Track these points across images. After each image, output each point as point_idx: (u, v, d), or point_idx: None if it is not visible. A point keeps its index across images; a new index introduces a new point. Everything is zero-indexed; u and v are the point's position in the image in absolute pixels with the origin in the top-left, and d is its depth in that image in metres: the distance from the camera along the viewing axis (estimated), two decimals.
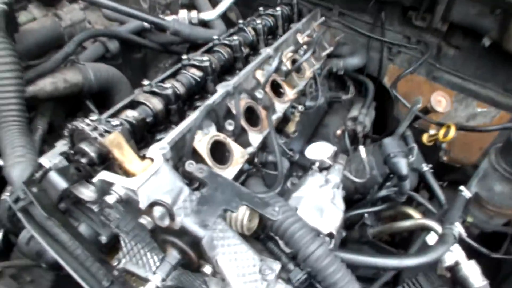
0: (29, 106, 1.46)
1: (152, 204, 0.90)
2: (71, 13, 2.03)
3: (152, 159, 1.04)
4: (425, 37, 2.40)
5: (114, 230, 1.26)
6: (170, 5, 2.62)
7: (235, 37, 1.68)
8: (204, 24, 2.22)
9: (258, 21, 1.88)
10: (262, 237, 1.28)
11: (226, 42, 1.66)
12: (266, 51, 1.69)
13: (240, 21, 1.89)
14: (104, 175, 1.01)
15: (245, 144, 1.38)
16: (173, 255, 0.94)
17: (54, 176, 1.08)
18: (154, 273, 0.91)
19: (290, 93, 1.71)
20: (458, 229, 1.36)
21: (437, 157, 2.56)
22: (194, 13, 2.11)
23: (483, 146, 2.46)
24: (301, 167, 1.82)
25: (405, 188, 1.48)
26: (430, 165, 1.81)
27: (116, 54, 2.12)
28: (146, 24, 2.16)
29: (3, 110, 1.24)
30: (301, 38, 2.02)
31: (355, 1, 2.55)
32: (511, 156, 1.52)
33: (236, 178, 1.34)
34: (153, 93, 1.30)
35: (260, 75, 1.60)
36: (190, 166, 1.09)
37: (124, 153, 1.01)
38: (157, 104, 1.27)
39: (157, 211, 0.92)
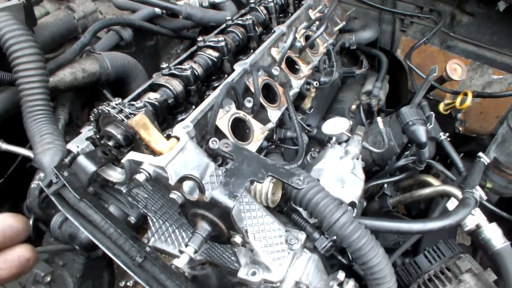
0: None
1: (182, 179, 0.93)
2: (83, 5, 2.06)
3: (177, 138, 1.07)
4: (438, 6, 2.38)
5: (142, 210, 1.31)
6: None
7: (248, 17, 1.69)
8: (214, 6, 2.23)
9: None
10: (285, 209, 1.31)
11: (240, 22, 1.67)
12: (279, 29, 1.69)
13: (251, 0, 1.89)
14: (132, 155, 1.05)
15: (264, 120, 1.41)
16: (204, 228, 0.97)
17: (83, 160, 1.12)
18: (186, 245, 0.95)
19: (305, 69, 1.71)
20: (478, 192, 1.37)
21: (453, 128, 2.56)
22: None
23: (500, 114, 2.44)
24: (319, 142, 1.84)
25: (424, 156, 1.49)
26: (447, 134, 1.81)
27: (130, 42, 2.14)
28: (157, 11, 2.17)
29: (30, 100, 1.28)
30: (313, 14, 2.02)
31: None
32: None
33: None
34: (172, 75, 1.33)
35: (275, 53, 1.62)
36: (214, 143, 1.12)
37: (150, 133, 1.04)
38: (177, 85, 1.30)
39: (187, 185, 0.96)
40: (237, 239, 0.98)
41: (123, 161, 1.07)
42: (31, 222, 1.78)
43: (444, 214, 1.28)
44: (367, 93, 2.35)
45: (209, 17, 2.04)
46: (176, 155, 1.01)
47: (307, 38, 1.84)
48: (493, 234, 1.39)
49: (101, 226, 1.13)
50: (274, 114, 1.45)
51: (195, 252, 0.95)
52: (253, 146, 1.31)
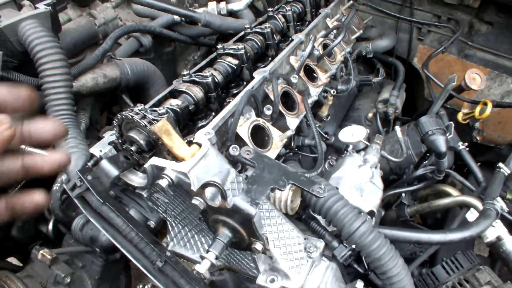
0: None
1: (204, 185, 0.95)
2: (104, 12, 2.10)
3: (199, 144, 1.08)
4: (456, 15, 2.37)
5: (162, 215, 1.32)
6: None
7: (266, 25, 1.71)
8: (232, 14, 2.25)
9: (288, 8, 1.90)
10: (304, 217, 1.31)
11: (258, 30, 1.69)
12: (298, 37, 1.71)
13: (269, 9, 1.91)
14: (155, 160, 1.07)
15: (282, 128, 1.42)
16: (225, 234, 0.98)
17: (105, 165, 1.14)
18: (207, 251, 0.96)
19: (323, 78, 1.72)
20: (499, 204, 1.35)
21: (470, 137, 2.53)
22: (223, 4, 2.15)
23: None
24: (336, 150, 1.84)
25: (444, 166, 1.49)
26: (466, 144, 1.80)
27: (149, 49, 2.18)
28: (176, 18, 2.20)
29: (55, 105, 1.31)
30: (331, 23, 2.03)
31: None
32: None
33: None
34: (193, 82, 1.35)
35: (293, 61, 1.63)
36: (234, 150, 1.14)
37: (173, 139, 1.06)
38: (197, 92, 1.32)
39: (209, 191, 0.97)
40: (258, 246, 0.98)
41: (145, 166, 1.08)
42: (51, 224, 1.81)
43: (464, 225, 1.26)
44: (383, 101, 2.35)
45: (228, 25, 2.06)
46: (198, 161, 1.02)
47: (325, 46, 1.85)
48: None
49: (123, 229, 1.15)
50: (292, 121, 1.46)
51: (216, 258, 0.97)
52: (272, 153, 1.32)
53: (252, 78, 1.44)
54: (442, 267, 1.61)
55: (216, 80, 1.38)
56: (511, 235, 1.42)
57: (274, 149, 1.33)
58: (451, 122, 1.56)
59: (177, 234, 1.34)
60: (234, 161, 1.16)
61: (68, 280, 1.46)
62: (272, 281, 1.12)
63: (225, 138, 1.25)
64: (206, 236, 1.28)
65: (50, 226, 1.78)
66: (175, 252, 1.34)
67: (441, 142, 1.40)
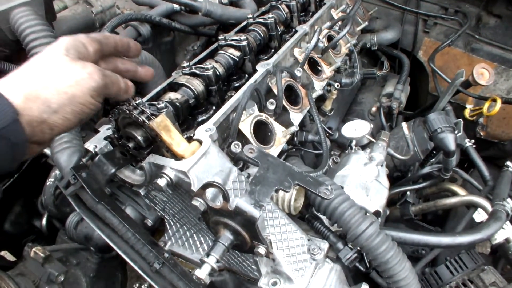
0: None
1: (205, 186, 0.89)
2: None
3: (199, 141, 1.03)
4: (464, 7, 2.30)
5: (160, 213, 1.27)
6: None
7: (270, 15, 1.64)
8: (233, 3, 2.18)
9: None
10: (307, 216, 1.27)
11: (261, 20, 1.62)
12: (302, 28, 1.64)
13: None
14: (154, 158, 1.02)
15: (285, 123, 1.36)
16: (226, 236, 0.93)
17: (102, 161, 1.09)
18: (207, 255, 0.91)
19: (327, 71, 1.66)
20: (510, 205, 1.31)
21: (473, 132, 2.49)
22: None
23: None
24: (339, 146, 1.79)
25: (452, 164, 1.44)
26: (473, 141, 1.75)
27: (147, 38, 2.11)
28: (176, 7, 2.13)
29: None
30: (335, 14, 1.96)
31: None
32: None
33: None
34: (193, 74, 1.29)
35: (297, 53, 1.57)
36: (236, 147, 1.08)
37: (172, 136, 1.00)
38: (198, 85, 1.26)
39: (210, 192, 0.92)
40: (261, 249, 0.93)
41: (143, 164, 1.03)
42: (44, 219, 1.77)
43: (475, 227, 1.22)
44: (387, 95, 2.29)
45: (229, 15, 1.99)
46: (199, 159, 0.97)
47: (329, 38, 1.79)
48: None
49: (119, 229, 1.10)
50: (296, 116, 1.40)
51: (217, 262, 0.92)
52: (275, 150, 1.27)
53: (255, 70, 1.38)
54: (445, 267, 1.58)
55: (217, 73, 1.32)
56: None
57: (277, 146, 1.27)
58: (460, 119, 1.51)
59: (175, 233, 1.30)
60: (235, 159, 1.11)
61: (62, 279, 1.42)
62: (275, 284, 1.08)
63: (226, 134, 1.19)
64: (205, 235, 1.24)
65: (44, 221, 1.74)
66: (172, 251, 1.29)
67: (450, 140, 1.35)
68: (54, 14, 1.58)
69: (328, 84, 1.77)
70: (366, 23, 2.19)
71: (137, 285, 1.47)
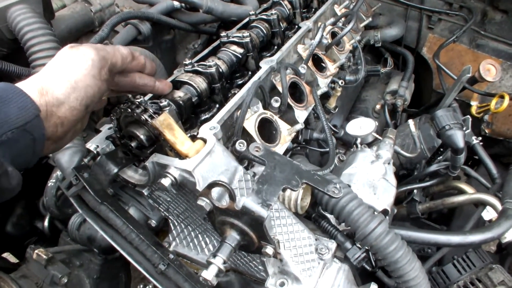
0: None
1: (211, 185, 0.87)
2: None
3: (203, 140, 1.01)
4: (469, 2, 2.27)
5: (164, 213, 1.25)
6: None
7: (272, 12, 1.61)
8: (234, 0, 2.16)
9: None
10: (313, 215, 1.24)
11: (264, 17, 1.59)
12: (306, 25, 1.62)
13: None
14: (157, 157, 0.99)
15: (290, 120, 1.34)
16: (233, 237, 0.91)
17: (104, 161, 1.07)
18: (214, 255, 0.89)
19: (331, 68, 1.64)
20: None
21: (478, 130, 2.46)
22: None
23: None
24: (343, 143, 1.76)
25: (460, 162, 1.42)
26: (480, 138, 1.72)
27: (148, 37, 2.08)
28: (176, 4, 2.10)
29: None
30: (339, 10, 1.94)
31: None
32: None
33: None
34: (195, 72, 1.26)
35: (301, 50, 1.54)
36: (241, 145, 1.06)
37: (175, 134, 0.98)
38: (201, 83, 1.23)
39: (215, 191, 0.89)
40: (269, 250, 0.91)
41: (146, 163, 1.01)
42: (46, 220, 1.74)
43: (485, 226, 1.19)
44: (392, 92, 2.27)
45: (231, 12, 1.96)
46: (203, 158, 0.95)
47: (333, 35, 1.76)
48: None
49: (122, 230, 1.08)
50: (301, 114, 1.38)
51: (224, 263, 0.89)
52: (280, 148, 1.24)
53: (258, 67, 1.35)
54: (453, 266, 1.56)
55: (220, 70, 1.30)
56: None
57: (282, 144, 1.25)
58: (468, 116, 1.49)
59: (179, 233, 1.27)
60: (240, 157, 1.08)
61: (65, 281, 1.39)
62: (282, 284, 1.06)
63: (231, 133, 1.17)
64: (210, 236, 1.21)
65: (46, 223, 1.72)
66: (177, 252, 1.27)
67: (459, 138, 1.32)
68: (52, 13, 1.55)
69: (332, 81, 1.74)
70: (370, 19, 2.17)
71: (141, 286, 1.44)
